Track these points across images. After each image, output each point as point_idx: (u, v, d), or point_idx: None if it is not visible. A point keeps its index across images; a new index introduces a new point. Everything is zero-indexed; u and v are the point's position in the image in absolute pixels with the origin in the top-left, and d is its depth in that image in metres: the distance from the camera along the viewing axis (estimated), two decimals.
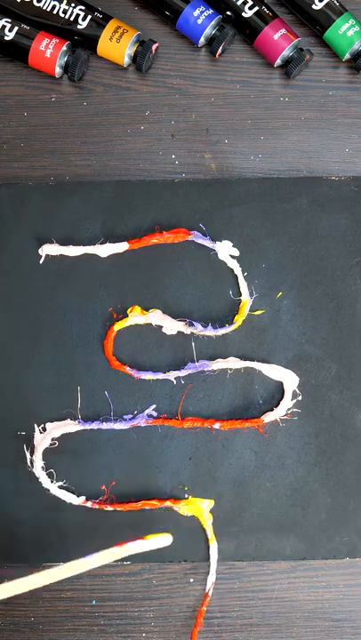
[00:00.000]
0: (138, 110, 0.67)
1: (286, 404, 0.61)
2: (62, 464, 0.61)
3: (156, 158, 0.66)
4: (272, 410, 0.61)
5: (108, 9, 0.67)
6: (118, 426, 0.61)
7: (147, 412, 0.61)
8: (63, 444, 0.61)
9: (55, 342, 0.62)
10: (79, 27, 0.65)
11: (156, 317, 0.62)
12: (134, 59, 0.66)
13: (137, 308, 0.62)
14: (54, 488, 0.60)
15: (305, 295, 0.63)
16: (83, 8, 0.65)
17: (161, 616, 0.61)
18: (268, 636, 0.61)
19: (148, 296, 0.63)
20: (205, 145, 0.67)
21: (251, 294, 0.63)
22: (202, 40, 0.66)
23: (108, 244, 0.63)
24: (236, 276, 0.63)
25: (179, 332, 0.62)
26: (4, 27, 0.65)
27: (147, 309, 0.62)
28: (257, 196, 0.64)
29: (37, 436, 0.61)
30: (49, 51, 0.64)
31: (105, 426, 0.61)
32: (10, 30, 0.65)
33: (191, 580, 0.61)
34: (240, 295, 0.63)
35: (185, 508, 0.60)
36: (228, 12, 0.66)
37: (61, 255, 0.63)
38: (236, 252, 0.63)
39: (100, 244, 0.63)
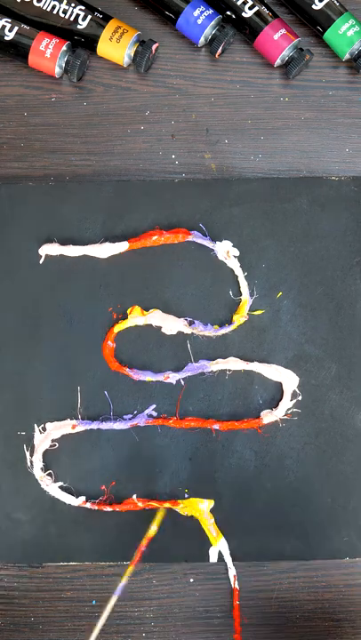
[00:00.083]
0: (138, 110, 0.67)
1: (286, 404, 0.61)
2: (62, 464, 0.61)
3: (156, 158, 0.66)
4: (271, 409, 0.61)
5: (108, 9, 0.67)
6: (118, 426, 0.61)
7: (146, 412, 0.61)
8: (63, 444, 0.61)
9: (55, 342, 0.62)
10: (79, 27, 0.65)
11: (156, 317, 0.62)
12: (134, 59, 0.66)
13: (137, 309, 0.62)
14: (54, 489, 0.60)
15: (305, 295, 0.63)
16: (83, 8, 0.65)
17: (161, 616, 0.61)
18: (268, 636, 0.61)
19: (148, 296, 0.63)
20: (205, 145, 0.67)
21: (251, 294, 0.63)
22: (202, 40, 0.66)
23: (108, 244, 0.63)
24: (236, 276, 0.63)
25: (179, 333, 0.62)
26: (4, 27, 0.65)
27: (147, 309, 0.62)
28: (257, 196, 0.64)
29: (37, 436, 0.61)
30: (49, 51, 0.64)
31: (105, 426, 0.61)
32: (10, 30, 0.65)
33: (191, 580, 0.61)
34: (240, 295, 0.63)
35: (185, 508, 0.60)
36: (228, 12, 0.66)
37: (61, 255, 0.63)
38: (237, 252, 0.63)
39: (100, 243, 0.63)
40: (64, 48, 0.65)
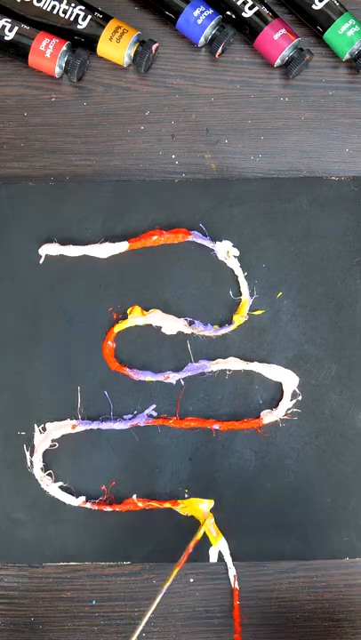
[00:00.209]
0: (138, 110, 0.67)
1: (286, 404, 0.61)
2: (62, 464, 0.61)
3: (156, 158, 0.66)
4: (271, 409, 0.61)
5: (108, 9, 0.67)
6: (118, 426, 0.61)
7: (146, 411, 0.61)
8: (63, 444, 0.61)
9: (55, 342, 0.62)
10: (79, 27, 0.65)
11: (156, 317, 0.62)
12: (134, 59, 0.66)
13: (137, 309, 0.62)
14: (54, 489, 0.60)
15: (305, 295, 0.63)
16: (83, 8, 0.65)
17: (161, 616, 0.61)
18: (268, 636, 0.61)
19: (148, 296, 0.63)
20: (205, 145, 0.67)
21: (251, 294, 0.63)
22: (202, 40, 0.66)
23: (108, 244, 0.63)
24: (236, 276, 0.63)
25: (179, 333, 0.62)
26: (4, 27, 0.65)
27: (147, 309, 0.62)
28: (257, 196, 0.64)
29: (37, 436, 0.61)
30: (49, 51, 0.64)
31: (105, 426, 0.61)
32: (10, 30, 0.65)
33: (191, 580, 0.61)
34: (240, 295, 0.63)
35: (185, 508, 0.60)
36: (228, 12, 0.66)
37: (61, 255, 0.63)
38: (237, 252, 0.63)
39: (100, 243, 0.63)
40: (64, 48, 0.65)
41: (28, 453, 0.61)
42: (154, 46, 0.65)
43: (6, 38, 0.65)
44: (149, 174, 0.66)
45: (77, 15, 0.65)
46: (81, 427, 0.61)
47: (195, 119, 0.67)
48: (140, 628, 0.55)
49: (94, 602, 0.62)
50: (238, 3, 0.65)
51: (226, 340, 0.62)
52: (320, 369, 0.62)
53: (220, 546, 0.60)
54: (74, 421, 0.61)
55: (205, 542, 0.60)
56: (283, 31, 0.65)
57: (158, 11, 0.67)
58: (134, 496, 0.60)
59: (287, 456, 0.61)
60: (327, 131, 0.67)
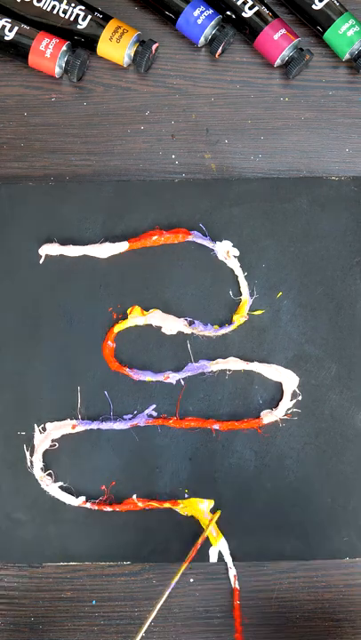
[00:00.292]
0: (138, 110, 0.67)
1: (286, 404, 0.61)
2: (62, 464, 0.61)
3: (156, 158, 0.66)
4: (271, 409, 0.61)
5: (108, 9, 0.67)
6: (118, 426, 0.61)
7: (146, 411, 0.61)
8: (63, 444, 0.61)
9: (55, 342, 0.62)
10: (79, 27, 0.65)
11: (156, 317, 0.62)
12: (134, 59, 0.66)
13: (137, 309, 0.62)
14: (54, 489, 0.60)
15: (305, 295, 0.63)
16: (83, 8, 0.65)
17: (161, 616, 0.61)
18: (268, 636, 0.61)
19: (148, 296, 0.63)
20: (205, 145, 0.67)
21: (251, 294, 0.63)
22: (202, 40, 0.66)
23: (108, 244, 0.63)
24: (236, 276, 0.63)
25: (179, 333, 0.62)
26: (4, 27, 0.65)
27: (147, 309, 0.62)
28: (257, 196, 0.64)
29: (37, 436, 0.61)
30: (49, 51, 0.64)
31: (105, 426, 0.61)
32: (10, 30, 0.65)
33: (191, 580, 0.61)
34: (240, 295, 0.63)
35: (185, 508, 0.60)
36: (228, 12, 0.66)
37: (61, 255, 0.63)
38: (237, 252, 0.63)
39: (100, 243, 0.63)
40: (64, 48, 0.65)
41: (27, 453, 0.61)
42: (154, 46, 0.65)
43: (6, 38, 0.65)
44: (149, 174, 0.66)
45: (77, 15, 0.65)
46: (81, 427, 0.61)
47: (195, 119, 0.67)
48: (145, 627, 0.55)
49: (94, 602, 0.62)
50: (238, 3, 0.65)
51: (226, 340, 0.62)
52: (320, 369, 0.62)
53: (220, 546, 0.60)
54: (74, 421, 0.61)
55: (205, 542, 0.60)
56: (283, 31, 0.65)
57: (158, 11, 0.67)
58: (134, 496, 0.60)
59: (287, 456, 0.61)
60: (327, 131, 0.67)
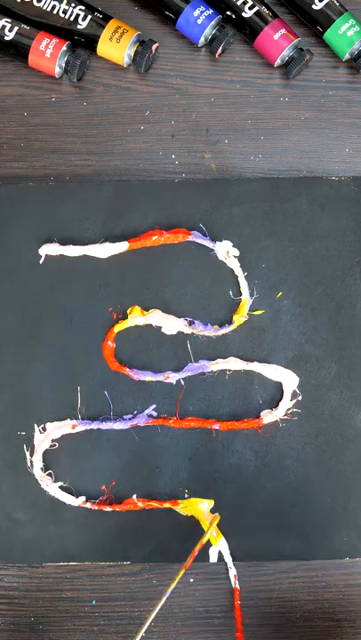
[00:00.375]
0: (138, 110, 0.67)
1: (286, 404, 0.61)
2: (62, 464, 0.61)
3: (156, 158, 0.66)
4: (271, 409, 0.61)
5: (108, 9, 0.67)
6: (118, 426, 0.61)
7: (146, 411, 0.61)
8: (63, 444, 0.61)
9: (55, 342, 0.62)
10: (79, 27, 0.65)
11: (156, 317, 0.62)
12: (134, 59, 0.66)
13: (137, 309, 0.62)
14: (54, 489, 0.60)
15: (305, 295, 0.63)
16: (83, 8, 0.65)
17: (161, 616, 0.61)
18: (268, 635, 0.61)
19: (148, 296, 0.63)
20: (205, 145, 0.67)
21: (251, 294, 0.63)
22: (202, 40, 0.66)
23: (108, 244, 0.63)
24: (236, 276, 0.63)
25: (179, 333, 0.62)
26: (4, 27, 0.65)
27: (147, 309, 0.62)
28: (257, 196, 0.64)
29: (37, 436, 0.61)
30: (49, 51, 0.64)
31: (105, 426, 0.61)
32: (10, 30, 0.65)
33: (191, 580, 0.61)
34: (240, 295, 0.63)
35: (185, 508, 0.60)
36: (228, 12, 0.66)
37: (61, 255, 0.63)
38: (237, 252, 0.63)
39: (100, 243, 0.63)
40: (64, 48, 0.65)
41: (27, 453, 0.61)
42: (154, 46, 0.65)
43: (6, 38, 0.65)
44: (149, 174, 0.66)
45: (77, 15, 0.65)
46: (81, 427, 0.61)
47: (195, 119, 0.67)
48: (142, 632, 0.55)
49: (94, 602, 0.62)
50: (238, 3, 0.65)
51: (226, 340, 0.62)
52: (320, 369, 0.62)
53: (220, 546, 0.60)
54: (74, 421, 0.61)
55: (206, 542, 0.60)
56: (283, 31, 0.65)
57: (158, 11, 0.67)
58: (134, 496, 0.60)
59: (287, 456, 0.61)
60: (327, 131, 0.67)
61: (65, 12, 0.65)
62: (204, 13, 0.65)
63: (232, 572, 0.60)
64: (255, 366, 0.62)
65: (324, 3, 0.65)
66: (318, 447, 0.61)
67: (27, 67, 0.67)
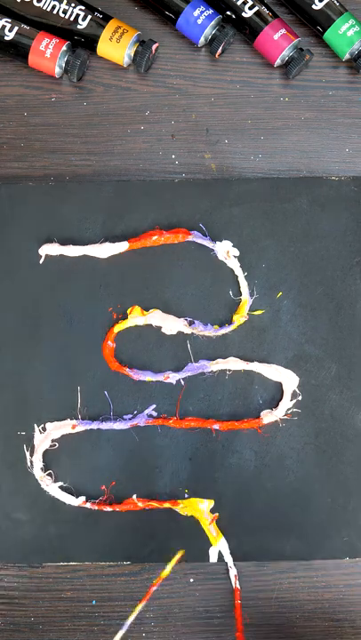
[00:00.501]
0: (138, 110, 0.67)
1: (286, 404, 0.61)
2: (62, 464, 0.61)
3: (156, 158, 0.66)
4: (271, 409, 0.61)
5: (108, 9, 0.67)
6: (118, 426, 0.61)
7: (146, 411, 0.61)
8: (63, 444, 0.61)
9: (55, 342, 0.62)
10: (79, 27, 0.65)
11: (156, 317, 0.62)
12: (134, 59, 0.66)
13: (137, 309, 0.62)
14: (54, 489, 0.60)
15: (305, 295, 0.63)
16: (83, 8, 0.65)
17: (161, 616, 0.61)
18: (269, 635, 0.61)
19: (148, 296, 0.63)
20: (205, 145, 0.67)
21: (251, 294, 0.63)
22: (202, 40, 0.66)
23: (108, 244, 0.63)
24: (236, 276, 0.63)
25: (179, 333, 0.62)
26: (4, 27, 0.65)
27: (147, 309, 0.62)
28: (257, 196, 0.64)
29: (37, 436, 0.61)
30: (49, 51, 0.64)
31: (105, 426, 0.61)
32: (10, 30, 0.65)
33: (191, 580, 0.61)
34: (240, 295, 0.63)
35: (185, 508, 0.60)
36: (228, 12, 0.66)
37: (61, 255, 0.63)
38: (237, 252, 0.63)
39: (100, 243, 0.63)
40: (64, 48, 0.65)
41: (27, 453, 0.61)
42: (154, 46, 0.65)
43: (6, 38, 0.65)
44: (149, 174, 0.66)
45: (77, 15, 0.65)
46: (81, 427, 0.61)
47: (195, 119, 0.67)
48: None
49: (94, 602, 0.62)
50: (238, 3, 0.65)
51: (226, 340, 0.62)
52: (320, 369, 0.62)
53: (220, 546, 0.60)
54: (74, 421, 0.61)
55: (205, 542, 0.60)
56: (283, 31, 0.65)
57: (158, 11, 0.67)
58: (134, 496, 0.60)
59: (287, 456, 0.61)
60: (327, 131, 0.67)
61: (65, 12, 0.65)
62: (204, 13, 0.65)
63: (232, 571, 0.60)
64: (255, 366, 0.62)
65: (324, 3, 0.65)
66: (318, 447, 0.61)
67: (27, 67, 0.67)
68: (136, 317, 0.62)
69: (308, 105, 0.67)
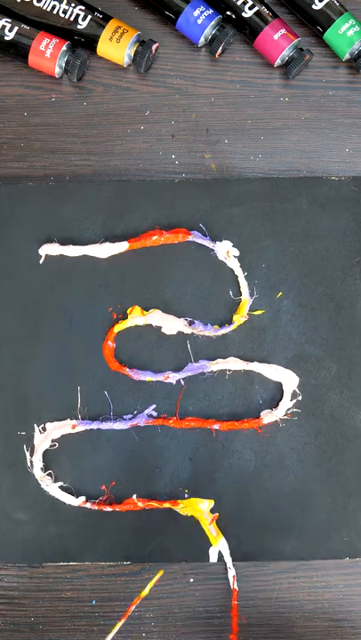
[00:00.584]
0: (138, 110, 0.67)
1: (286, 404, 0.61)
2: (62, 464, 0.61)
3: (156, 158, 0.66)
4: (271, 409, 0.61)
5: (108, 9, 0.67)
6: (118, 426, 0.61)
7: (146, 411, 0.61)
8: (63, 444, 0.61)
9: (55, 342, 0.62)
10: (79, 27, 0.65)
11: (156, 318, 0.62)
12: (134, 59, 0.66)
13: (137, 309, 0.62)
14: (54, 489, 0.60)
15: (305, 295, 0.63)
16: (83, 8, 0.65)
17: (161, 616, 0.61)
18: (269, 635, 0.61)
19: (148, 296, 0.63)
20: (205, 145, 0.67)
21: (251, 294, 0.63)
22: (202, 40, 0.66)
23: (108, 244, 0.63)
24: (236, 276, 0.63)
25: (179, 333, 0.62)
26: (4, 27, 0.65)
27: (147, 309, 0.62)
28: (257, 196, 0.64)
29: (37, 436, 0.61)
30: (49, 51, 0.64)
31: (105, 426, 0.61)
32: (10, 30, 0.65)
33: (191, 580, 0.61)
34: (240, 295, 0.63)
35: (185, 508, 0.60)
36: (228, 12, 0.66)
37: (61, 255, 0.63)
38: (237, 252, 0.63)
39: (100, 243, 0.63)
40: (64, 48, 0.65)
41: (27, 453, 0.61)
42: (154, 46, 0.65)
43: (6, 38, 0.65)
44: (149, 174, 0.66)
45: (77, 15, 0.65)
46: (81, 427, 0.61)
47: (195, 119, 0.67)
48: None
49: (94, 602, 0.62)
50: (238, 3, 0.65)
51: (226, 340, 0.62)
52: (320, 369, 0.62)
53: (220, 546, 0.60)
54: (74, 421, 0.61)
55: (205, 542, 0.60)
56: (283, 31, 0.65)
57: (158, 11, 0.67)
58: (134, 496, 0.60)
59: (287, 456, 0.61)
60: (327, 131, 0.67)
61: (65, 12, 0.65)
62: (204, 13, 0.65)
63: (231, 572, 0.60)
64: (255, 366, 0.62)
65: (324, 3, 0.65)
66: (318, 447, 0.61)
67: (27, 67, 0.67)
68: (136, 317, 0.62)
69: (308, 105, 0.67)
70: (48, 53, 0.64)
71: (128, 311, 0.62)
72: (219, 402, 0.62)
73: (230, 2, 0.65)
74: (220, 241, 0.63)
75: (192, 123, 0.67)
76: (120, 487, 0.61)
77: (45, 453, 0.61)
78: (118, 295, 0.63)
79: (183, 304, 0.63)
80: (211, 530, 0.60)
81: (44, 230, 0.63)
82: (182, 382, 0.62)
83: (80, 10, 0.65)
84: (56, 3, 0.65)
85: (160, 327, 0.62)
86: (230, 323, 0.62)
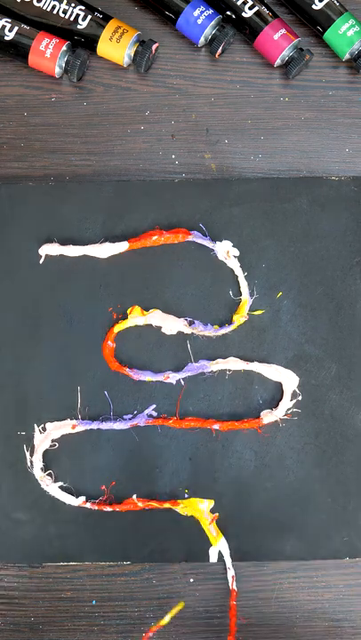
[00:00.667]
0: (138, 110, 0.67)
1: (286, 404, 0.61)
2: (62, 464, 0.61)
3: (156, 158, 0.66)
4: (271, 409, 0.61)
5: (108, 9, 0.67)
6: (118, 426, 0.61)
7: (146, 411, 0.61)
8: (63, 444, 0.61)
9: (55, 342, 0.62)
10: (79, 27, 0.65)
11: (156, 318, 0.62)
12: (134, 59, 0.66)
13: (137, 309, 0.62)
14: (54, 489, 0.60)
15: (305, 295, 0.63)
16: (83, 8, 0.65)
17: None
18: (268, 635, 0.61)
19: (148, 296, 0.63)
20: (205, 145, 0.67)
21: (251, 294, 0.63)
22: (202, 40, 0.66)
23: (108, 244, 0.63)
24: (236, 276, 0.63)
25: (179, 333, 0.62)
26: (4, 27, 0.65)
27: (147, 309, 0.62)
28: (257, 196, 0.64)
29: (37, 436, 0.61)
30: (49, 51, 0.64)
31: (105, 426, 0.61)
32: (10, 30, 0.65)
33: (191, 580, 0.61)
34: (240, 295, 0.63)
35: (185, 508, 0.60)
36: (228, 12, 0.66)
37: (61, 255, 0.63)
38: (237, 252, 0.63)
39: (100, 243, 0.63)
40: (64, 48, 0.65)
41: (27, 453, 0.61)
42: (154, 46, 0.65)
43: (6, 38, 0.65)
44: (149, 174, 0.66)
45: (77, 15, 0.65)
46: (81, 427, 0.61)
47: (195, 119, 0.67)
48: None
49: (94, 602, 0.62)
50: (238, 3, 0.65)
51: (226, 340, 0.62)
52: (320, 369, 0.62)
53: (220, 546, 0.60)
54: (74, 421, 0.61)
55: (205, 542, 0.60)
56: (283, 31, 0.65)
57: (158, 11, 0.67)
58: (134, 496, 0.60)
59: (287, 456, 0.61)
60: (327, 131, 0.67)
61: (65, 12, 0.65)
62: (204, 13, 0.65)
63: (230, 572, 0.60)
64: (255, 366, 0.62)
65: (324, 3, 0.65)
66: (318, 447, 0.61)
67: (27, 67, 0.67)
68: (136, 317, 0.62)
69: (308, 105, 0.67)
70: (48, 53, 0.64)
71: (128, 311, 0.62)
72: (219, 402, 0.62)
73: (230, 2, 0.65)
74: (220, 241, 0.63)
75: (192, 123, 0.67)
76: (120, 487, 0.61)
77: (45, 453, 0.61)
78: (118, 295, 0.63)
79: (183, 304, 0.63)
80: (211, 530, 0.60)
81: (44, 230, 0.63)
82: (182, 382, 0.62)
83: (80, 10, 0.65)
84: (56, 3, 0.65)
85: (160, 327, 0.62)
86: (230, 323, 0.62)
